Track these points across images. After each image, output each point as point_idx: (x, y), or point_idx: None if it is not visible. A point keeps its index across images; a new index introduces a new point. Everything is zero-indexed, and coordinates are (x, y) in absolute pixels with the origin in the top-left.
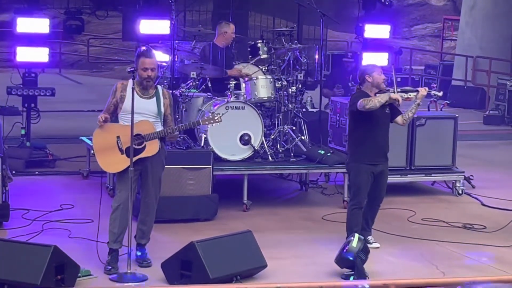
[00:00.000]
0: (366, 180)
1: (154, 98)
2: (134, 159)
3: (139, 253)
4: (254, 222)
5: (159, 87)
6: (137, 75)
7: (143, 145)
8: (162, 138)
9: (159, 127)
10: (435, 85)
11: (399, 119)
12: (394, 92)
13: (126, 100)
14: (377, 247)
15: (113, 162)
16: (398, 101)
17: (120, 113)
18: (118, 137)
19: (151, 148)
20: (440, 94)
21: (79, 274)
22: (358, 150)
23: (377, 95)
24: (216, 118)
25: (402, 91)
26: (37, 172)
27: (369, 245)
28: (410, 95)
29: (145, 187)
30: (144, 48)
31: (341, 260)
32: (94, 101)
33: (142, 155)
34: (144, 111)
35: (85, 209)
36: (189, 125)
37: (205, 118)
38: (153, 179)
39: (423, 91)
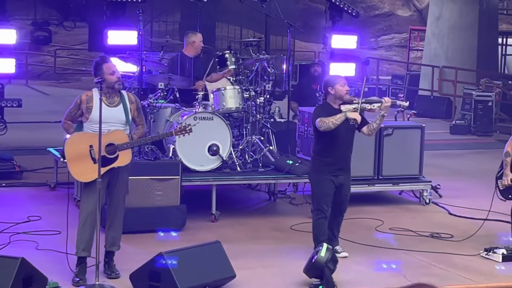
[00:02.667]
0: (328, 189)
1: (121, 105)
2: (107, 168)
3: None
4: (223, 232)
5: (124, 92)
6: (105, 83)
7: (115, 155)
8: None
9: (128, 134)
10: (402, 95)
11: (364, 129)
12: (358, 102)
13: (94, 111)
14: (345, 256)
15: (86, 171)
16: (356, 120)
17: (87, 123)
18: (91, 146)
19: (124, 158)
20: (406, 104)
21: (47, 286)
22: (319, 161)
23: (341, 106)
24: (187, 129)
25: (366, 102)
26: (4, 184)
27: (337, 255)
28: (374, 106)
29: (112, 194)
30: (100, 56)
31: (309, 269)
32: (61, 112)
33: (114, 165)
34: (113, 120)
35: (53, 221)
36: (162, 136)
37: (177, 129)
38: (121, 186)
39: (387, 102)
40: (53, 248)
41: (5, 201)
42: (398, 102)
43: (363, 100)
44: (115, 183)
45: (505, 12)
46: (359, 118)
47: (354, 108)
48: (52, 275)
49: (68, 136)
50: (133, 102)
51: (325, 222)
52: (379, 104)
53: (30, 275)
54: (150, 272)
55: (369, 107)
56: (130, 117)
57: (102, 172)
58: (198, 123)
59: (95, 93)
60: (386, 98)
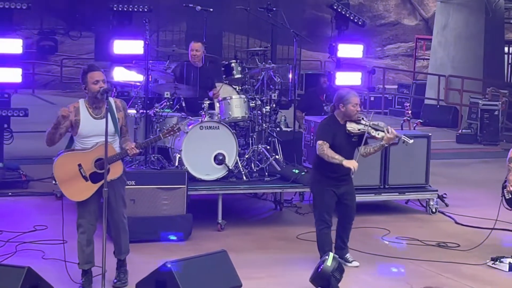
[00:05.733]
0: (329, 199)
1: (109, 116)
2: (100, 184)
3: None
4: (229, 242)
5: (111, 99)
6: (89, 93)
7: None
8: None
9: (117, 145)
10: (408, 105)
11: (361, 149)
12: (365, 124)
13: (81, 125)
14: (356, 266)
15: (79, 191)
16: (351, 170)
17: (76, 137)
18: (79, 165)
19: (115, 171)
20: (411, 141)
21: None
22: (320, 173)
23: (347, 123)
24: (175, 128)
25: (373, 127)
26: (10, 193)
27: (348, 264)
28: (378, 134)
29: (109, 207)
30: (87, 65)
31: (316, 279)
32: None
33: (107, 179)
34: (101, 132)
35: (59, 230)
36: (151, 141)
37: (165, 131)
38: (116, 198)
39: (390, 133)
40: (59, 257)
41: (11, 211)
42: (403, 138)
43: (370, 124)
44: (111, 198)
45: (511, 21)
46: (353, 170)
47: (359, 130)
48: (58, 285)
49: (55, 158)
50: (121, 110)
51: (329, 232)
52: (383, 134)
53: (36, 284)
54: (157, 281)
55: (373, 133)
56: (119, 127)
57: (95, 189)
58: (201, 132)
59: (81, 104)
60: (391, 129)
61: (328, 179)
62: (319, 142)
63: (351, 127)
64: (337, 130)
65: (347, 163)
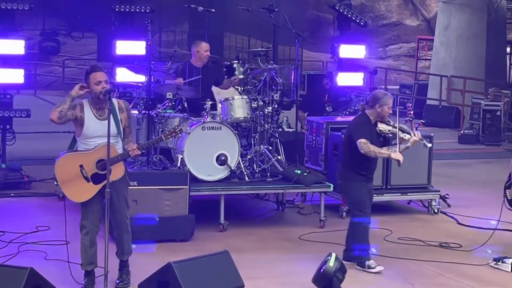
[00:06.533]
0: (366, 195)
1: (111, 117)
2: (101, 185)
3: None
4: (231, 242)
5: (114, 100)
6: (91, 93)
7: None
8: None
9: (119, 147)
10: (410, 105)
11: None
12: (393, 126)
13: (86, 126)
14: (380, 271)
15: (80, 192)
16: (399, 162)
17: (80, 138)
18: (81, 165)
19: (117, 172)
20: (429, 145)
21: None
22: (355, 172)
23: (378, 123)
24: (177, 130)
25: (401, 129)
26: (12, 194)
27: (372, 270)
28: (405, 136)
29: (112, 208)
30: (90, 65)
31: (318, 279)
32: (69, 123)
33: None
34: (104, 133)
35: (61, 231)
36: (152, 143)
37: (166, 132)
38: (119, 199)
39: (416, 136)
40: (62, 258)
41: (13, 211)
42: (423, 142)
43: (399, 126)
44: (114, 199)
45: None
46: (401, 159)
47: (389, 130)
48: (60, 286)
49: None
50: (123, 111)
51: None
52: (409, 136)
53: (38, 285)
54: (159, 281)
55: (401, 135)
56: (121, 128)
57: (97, 190)
58: (204, 133)
59: (85, 104)
60: (417, 133)
61: (361, 176)
62: (362, 140)
63: (382, 127)
64: (371, 129)
65: (395, 155)
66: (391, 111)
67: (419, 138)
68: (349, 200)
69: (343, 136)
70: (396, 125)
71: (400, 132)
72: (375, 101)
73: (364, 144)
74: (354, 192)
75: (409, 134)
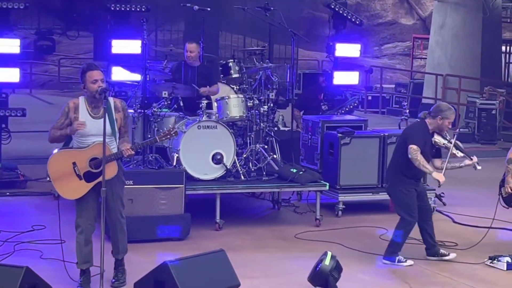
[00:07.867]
0: (414, 198)
1: (106, 116)
2: (94, 183)
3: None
4: (227, 241)
5: (110, 99)
6: (87, 92)
7: (100, 169)
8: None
9: (114, 146)
10: (405, 103)
11: (437, 162)
12: (449, 141)
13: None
14: (454, 256)
15: (72, 189)
16: (438, 181)
17: (74, 136)
18: (74, 163)
19: (109, 171)
20: (479, 168)
21: None
22: (403, 174)
23: (435, 134)
24: (172, 132)
25: (456, 146)
26: (8, 193)
27: (446, 258)
28: (459, 154)
29: (106, 207)
30: (86, 64)
31: (314, 278)
32: None
33: (101, 179)
34: (99, 132)
35: (57, 230)
36: (146, 143)
37: (161, 134)
38: (113, 198)
39: (474, 160)
40: (58, 257)
41: (9, 210)
42: (476, 165)
43: (454, 142)
44: (109, 198)
45: (508, 21)
46: (442, 181)
47: (444, 144)
48: (56, 284)
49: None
50: (119, 111)
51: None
52: (462, 154)
53: (34, 284)
54: (155, 280)
55: (454, 151)
56: (116, 128)
57: (89, 188)
58: (199, 132)
59: (81, 101)
60: (475, 158)
61: (409, 179)
62: (413, 146)
63: (438, 139)
64: (427, 138)
65: (436, 175)
66: (450, 126)
67: (473, 163)
68: (397, 203)
69: (397, 139)
70: (452, 140)
71: (454, 148)
72: (438, 112)
73: (414, 151)
74: (401, 195)
75: (462, 152)
